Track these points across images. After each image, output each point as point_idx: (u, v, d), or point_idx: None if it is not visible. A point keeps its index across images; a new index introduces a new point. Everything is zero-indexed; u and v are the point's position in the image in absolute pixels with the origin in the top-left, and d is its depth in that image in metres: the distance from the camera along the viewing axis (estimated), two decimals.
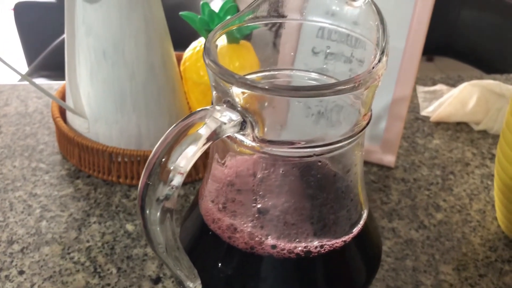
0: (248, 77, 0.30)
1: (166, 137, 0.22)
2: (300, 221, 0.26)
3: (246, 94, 0.22)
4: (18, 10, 1.49)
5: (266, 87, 0.22)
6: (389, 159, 0.53)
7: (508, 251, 0.44)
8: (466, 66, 1.27)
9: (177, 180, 0.22)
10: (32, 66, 1.28)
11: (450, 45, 1.21)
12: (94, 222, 0.45)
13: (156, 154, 0.22)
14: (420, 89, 0.68)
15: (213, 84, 0.24)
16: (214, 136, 0.22)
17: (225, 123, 0.23)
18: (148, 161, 0.22)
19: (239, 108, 0.23)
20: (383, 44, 0.23)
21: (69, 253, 0.42)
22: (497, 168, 0.43)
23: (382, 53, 0.23)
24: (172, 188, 0.22)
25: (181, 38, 0.64)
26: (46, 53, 1.29)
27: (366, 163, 0.54)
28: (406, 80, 0.51)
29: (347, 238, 0.27)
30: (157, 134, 0.50)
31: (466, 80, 0.70)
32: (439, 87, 0.68)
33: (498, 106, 0.60)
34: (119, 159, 0.48)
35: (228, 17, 0.45)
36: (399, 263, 0.42)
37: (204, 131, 0.22)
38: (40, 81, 1.20)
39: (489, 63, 1.16)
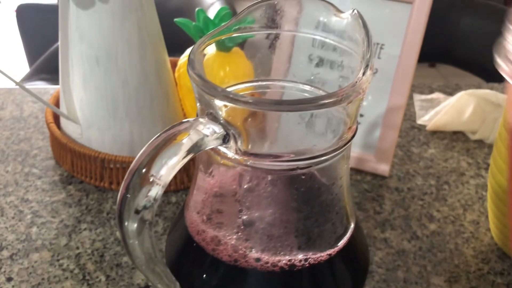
0: (239, 87, 0.30)
1: (147, 149, 0.22)
2: (284, 234, 0.26)
3: (228, 107, 0.22)
4: (21, 12, 1.49)
5: (249, 100, 0.22)
6: (383, 168, 0.53)
7: (500, 264, 0.43)
8: (468, 73, 1.27)
9: (156, 191, 0.22)
10: (31, 69, 1.28)
11: (450, 52, 1.21)
12: (85, 229, 0.45)
13: (135, 165, 0.22)
14: (417, 97, 0.68)
15: (197, 96, 0.24)
16: (196, 148, 0.22)
17: (207, 136, 0.23)
18: (128, 171, 0.22)
19: (222, 121, 0.23)
20: (368, 57, 0.23)
21: (58, 260, 0.42)
22: (490, 179, 0.43)
23: (367, 66, 0.23)
24: (150, 200, 0.21)
25: (179, 43, 0.64)
26: (46, 56, 1.29)
27: (360, 171, 0.53)
28: (401, 88, 0.51)
29: (332, 251, 0.27)
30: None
31: (464, 88, 0.69)
32: (436, 95, 0.68)
33: (494, 115, 0.60)
34: (111, 166, 0.48)
35: (223, 24, 0.45)
36: (390, 274, 0.42)
37: (186, 143, 0.22)
38: (40, 84, 1.20)
39: (489, 71, 1.15)
